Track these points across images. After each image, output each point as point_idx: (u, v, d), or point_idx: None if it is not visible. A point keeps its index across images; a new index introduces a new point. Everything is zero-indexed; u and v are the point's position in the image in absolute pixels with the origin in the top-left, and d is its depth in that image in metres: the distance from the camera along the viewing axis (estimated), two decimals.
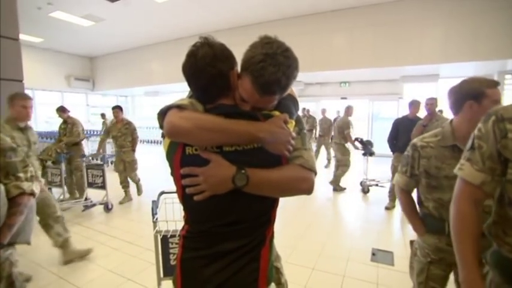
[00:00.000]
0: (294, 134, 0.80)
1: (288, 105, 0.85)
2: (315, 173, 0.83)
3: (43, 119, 11.35)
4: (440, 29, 6.23)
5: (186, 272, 0.83)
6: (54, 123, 11.38)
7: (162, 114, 0.79)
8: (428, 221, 1.36)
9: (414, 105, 3.99)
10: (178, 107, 0.77)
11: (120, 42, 9.87)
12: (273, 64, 0.73)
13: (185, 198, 0.80)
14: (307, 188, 0.80)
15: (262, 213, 0.83)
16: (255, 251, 0.82)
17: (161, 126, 0.80)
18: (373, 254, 2.75)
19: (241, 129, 0.74)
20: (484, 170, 0.80)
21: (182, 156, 0.78)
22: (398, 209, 4.09)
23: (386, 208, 4.14)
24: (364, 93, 9.67)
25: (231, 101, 0.82)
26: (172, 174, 0.83)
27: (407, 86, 8.69)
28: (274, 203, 0.85)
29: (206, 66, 0.76)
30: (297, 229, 3.44)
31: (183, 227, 0.88)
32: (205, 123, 0.74)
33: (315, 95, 10.44)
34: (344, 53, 7.30)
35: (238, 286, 0.81)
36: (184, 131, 0.73)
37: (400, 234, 3.34)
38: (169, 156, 0.81)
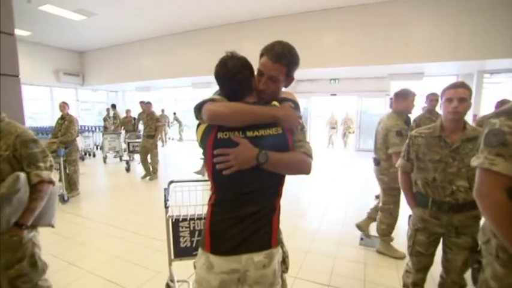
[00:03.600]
0: (301, 116, 1.06)
1: (293, 102, 1.10)
2: (312, 159, 1.08)
3: (27, 115, 11.12)
4: (424, 30, 6.55)
5: (215, 233, 1.03)
6: (39, 119, 11.22)
7: (198, 108, 1.01)
8: (417, 197, 1.69)
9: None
10: (212, 100, 1.01)
11: (112, 37, 9.79)
12: (281, 46, 1.05)
13: (214, 173, 1.00)
14: (308, 169, 1.05)
15: (273, 186, 1.06)
16: (268, 216, 1.04)
17: (197, 117, 1.02)
18: (361, 239, 3.00)
19: (264, 111, 0.99)
20: None
21: (214, 139, 0.99)
22: None
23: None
24: (353, 90, 9.98)
25: (253, 99, 1.06)
26: (204, 154, 1.03)
27: (394, 83, 9.03)
28: (281, 179, 1.07)
29: (237, 73, 0.99)
30: (292, 218, 3.67)
31: (210, 198, 1.08)
32: (238, 108, 0.97)
33: (306, 91, 10.68)
34: (334, 51, 7.54)
35: (256, 243, 1.02)
36: (223, 115, 0.96)
37: None
38: (204, 139, 1.01)
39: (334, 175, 6.25)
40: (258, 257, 1.01)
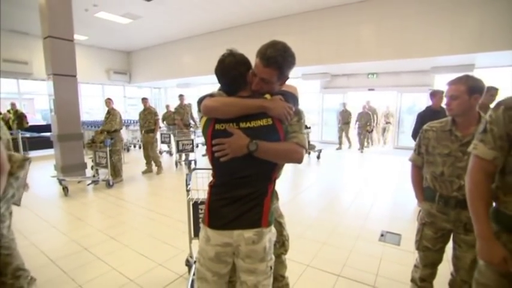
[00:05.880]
0: (292, 106, 1.13)
1: (287, 95, 1.18)
2: (306, 150, 1.16)
3: (84, 110, 12.50)
4: (475, 17, 5.96)
5: (212, 210, 1.18)
6: (95, 114, 12.59)
7: (200, 101, 1.18)
8: (426, 191, 1.68)
9: (436, 95, 3.97)
10: (210, 95, 1.16)
11: (155, 37, 10.55)
12: (274, 49, 1.10)
13: (214, 160, 1.16)
14: (298, 158, 1.14)
15: (265, 172, 1.17)
16: (259, 198, 1.16)
17: (199, 111, 1.18)
18: (382, 235, 2.96)
19: (251, 102, 1.10)
20: (495, 148, 0.99)
21: (213, 130, 1.14)
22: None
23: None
24: (392, 85, 9.45)
25: (248, 93, 1.17)
26: (205, 143, 1.19)
27: (438, 77, 8.36)
28: (274, 167, 1.17)
29: (231, 70, 1.12)
30: (314, 211, 3.72)
31: (211, 181, 1.23)
32: (227, 101, 1.11)
33: (342, 86, 10.38)
34: (371, 45, 7.25)
35: (247, 221, 1.14)
36: (213, 108, 1.11)
37: (413, 220, 3.47)
38: (204, 130, 1.17)
39: (366, 173, 6.07)
40: (248, 233, 1.13)
